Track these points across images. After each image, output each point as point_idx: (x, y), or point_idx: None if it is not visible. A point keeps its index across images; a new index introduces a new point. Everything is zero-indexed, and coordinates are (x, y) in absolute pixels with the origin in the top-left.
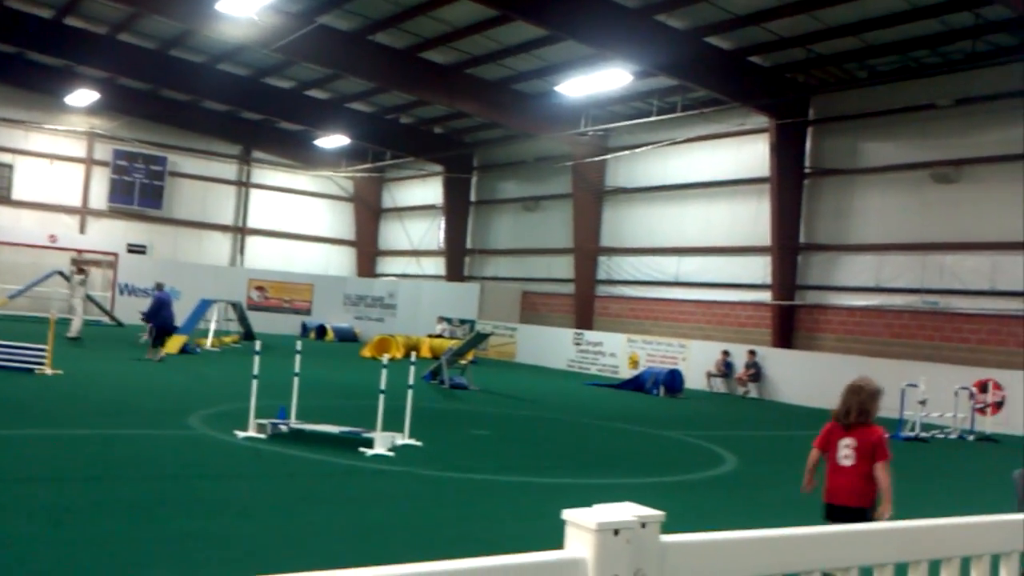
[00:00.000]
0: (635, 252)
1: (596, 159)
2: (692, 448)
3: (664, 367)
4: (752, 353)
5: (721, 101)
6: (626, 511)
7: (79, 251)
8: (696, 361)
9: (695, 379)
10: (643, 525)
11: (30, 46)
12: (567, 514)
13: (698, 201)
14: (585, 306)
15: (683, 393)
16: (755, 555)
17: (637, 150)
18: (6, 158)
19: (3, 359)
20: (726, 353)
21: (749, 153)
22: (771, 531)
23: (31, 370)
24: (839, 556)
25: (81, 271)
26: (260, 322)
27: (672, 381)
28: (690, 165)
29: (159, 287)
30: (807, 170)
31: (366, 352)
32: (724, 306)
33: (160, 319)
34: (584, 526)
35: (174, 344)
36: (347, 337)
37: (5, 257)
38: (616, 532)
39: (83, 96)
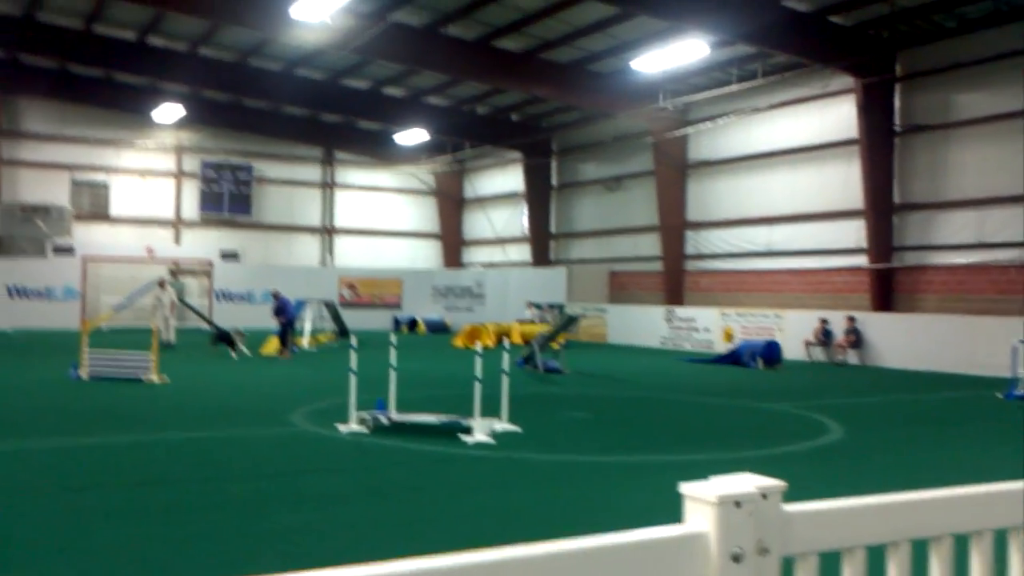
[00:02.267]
0: (723, 225)
1: (677, 133)
2: (795, 419)
3: (761, 339)
4: (851, 319)
5: (803, 65)
6: (746, 482)
7: (175, 261)
8: (793, 331)
9: (793, 349)
10: (764, 496)
11: (116, 67)
12: (685, 488)
13: (785, 168)
14: (675, 282)
15: (782, 364)
16: (880, 521)
17: (718, 121)
18: (101, 177)
19: (112, 368)
20: (824, 321)
21: (835, 115)
22: (896, 496)
23: (139, 378)
24: (971, 519)
25: (162, 281)
26: (353, 319)
27: (770, 352)
28: (774, 132)
29: (276, 294)
30: (897, 128)
31: (458, 342)
32: (819, 273)
33: (286, 315)
34: (704, 499)
35: (272, 345)
36: (438, 328)
37: (106, 272)
38: (738, 504)
39: (169, 111)
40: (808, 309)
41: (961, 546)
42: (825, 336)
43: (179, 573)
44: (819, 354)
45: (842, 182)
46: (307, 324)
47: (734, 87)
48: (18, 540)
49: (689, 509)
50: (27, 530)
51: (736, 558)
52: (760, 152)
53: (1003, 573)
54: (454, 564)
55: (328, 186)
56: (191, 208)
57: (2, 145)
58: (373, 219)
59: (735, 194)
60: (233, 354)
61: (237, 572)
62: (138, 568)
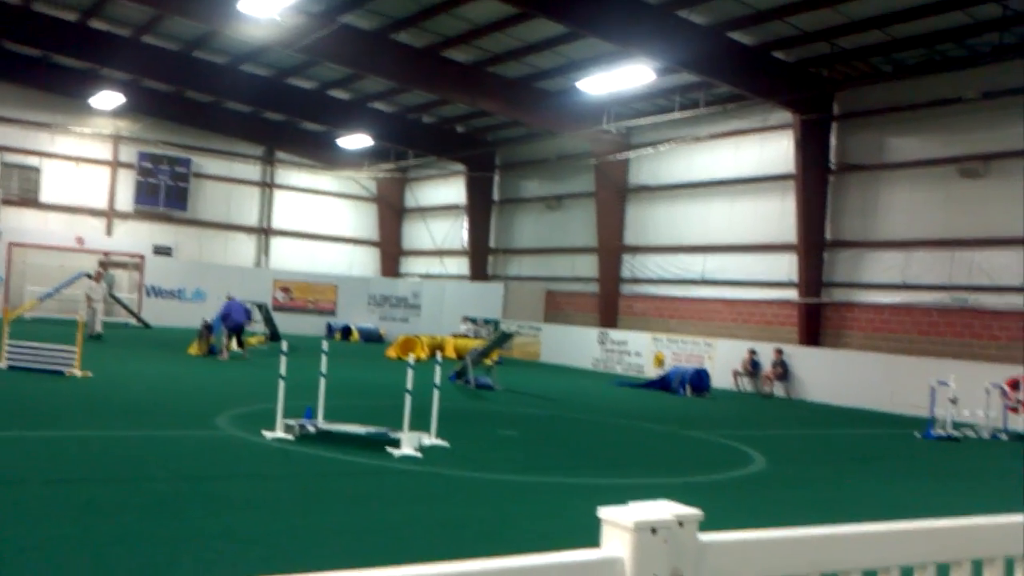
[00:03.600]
0: (660, 250)
1: (619, 157)
2: (720, 448)
3: (690, 366)
4: (779, 351)
5: (744, 97)
6: (664, 509)
7: (106, 253)
8: (723, 360)
9: (722, 378)
10: (680, 524)
11: (55, 49)
12: (603, 512)
13: (722, 198)
14: (610, 305)
15: (710, 392)
16: (794, 554)
17: (660, 147)
18: (33, 161)
19: (34, 361)
20: (753, 352)
21: (773, 149)
22: (810, 529)
23: (61, 372)
24: (879, 555)
25: (99, 273)
26: (285, 323)
27: (699, 380)
28: (714, 162)
29: (229, 297)
30: (832, 166)
31: (391, 352)
32: (750, 304)
33: (231, 322)
34: (621, 525)
35: (200, 346)
36: (372, 337)
37: (33, 259)
38: (654, 531)
39: (108, 98)
40: (738, 339)
41: None
42: (753, 367)
43: None
44: (747, 384)
45: (777, 216)
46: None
47: (676, 114)
48: None
49: (606, 533)
50: None
51: None
52: (699, 181)
53: None
54: None
55: (267, 186)
56: (125, 199)
57: None
58: (311, 222)
59: (673, 220)
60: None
61: None
62: (49, 571)
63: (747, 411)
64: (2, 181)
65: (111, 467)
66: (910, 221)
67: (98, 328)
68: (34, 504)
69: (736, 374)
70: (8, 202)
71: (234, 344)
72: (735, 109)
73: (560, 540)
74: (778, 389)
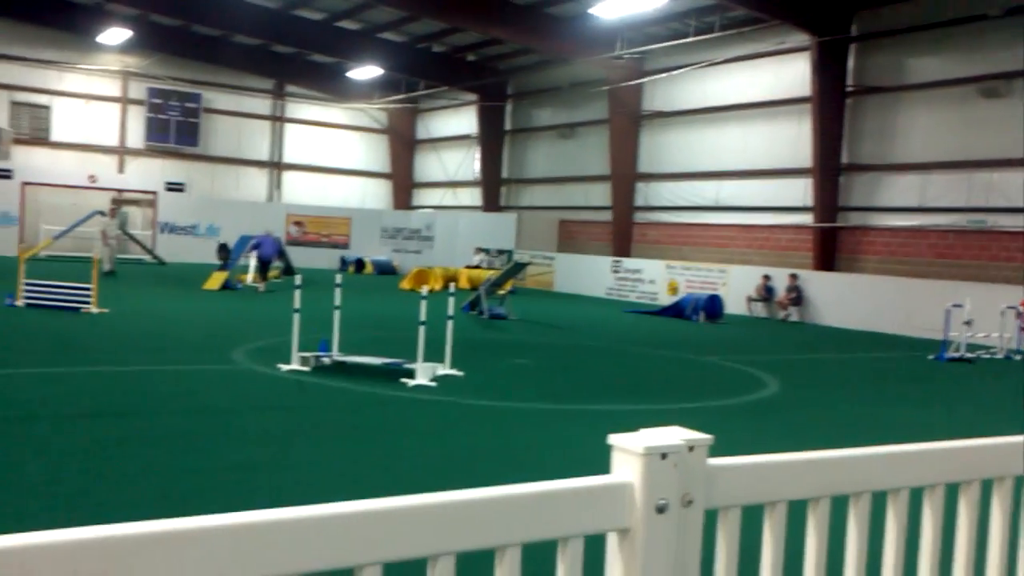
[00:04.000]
0: (673, 177)
1: (632, 83)
2: (733, 373)
3: (704, 293)
4: (793, 276)
5: (760, 20)
6: (673, 435)
7: (118, 191)
8: (736, 286)
9: (736, 304)
10: (691, 449)
11: None
12: (613, 439)
13: (737, 123)
14: (623, 233)
15: (723, 318)
16: (804, 477)
17: (674, 72)
18: (43, 99)
19: (51, 299)
20: (767, 277)
21: (789, 73)
22: (819, 453)
23: (77, 309)
24: (889, 477)
25: (112, 211)
26: (299, 257)
27: (712, 306)
28: (729, 86)
29: (267, 232)
30: (849, 88)
31: (405, 284)
32: (764, 230)
33: (260, 253)
34: (631, 450)
35: (215, 280)
36: (386, 270)
37: (46, 198)
38: (663, 456)
39: (116, 34)
40: (752, 265)
41: (879, 503)
42: (767, 292)
43: (117, 509)
44: (761, 310)
45: (792, 140)
46: (251, 260)
47: (691, 39)
48: None
49: (616, 459)
50: None
51: (660, 509)
52: (714, 106)
53: (917, 529)
54: (387, 507)
55: (278, 119)
56: (136, 136)
57: None
58: (323, 156)
59: (687, 147)
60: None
61: (177, 509)
62: (74, 503)
63: (761, 336)
64: (13, 120)
65: (130, 401)
66: (928, 143)
67: (112, 265)
68: (55, 438)
69: (750, 300)
70: (19, 141)
71: (248, 277)
72: (751, 32)
73: (576, 467)
74: (793, 314)
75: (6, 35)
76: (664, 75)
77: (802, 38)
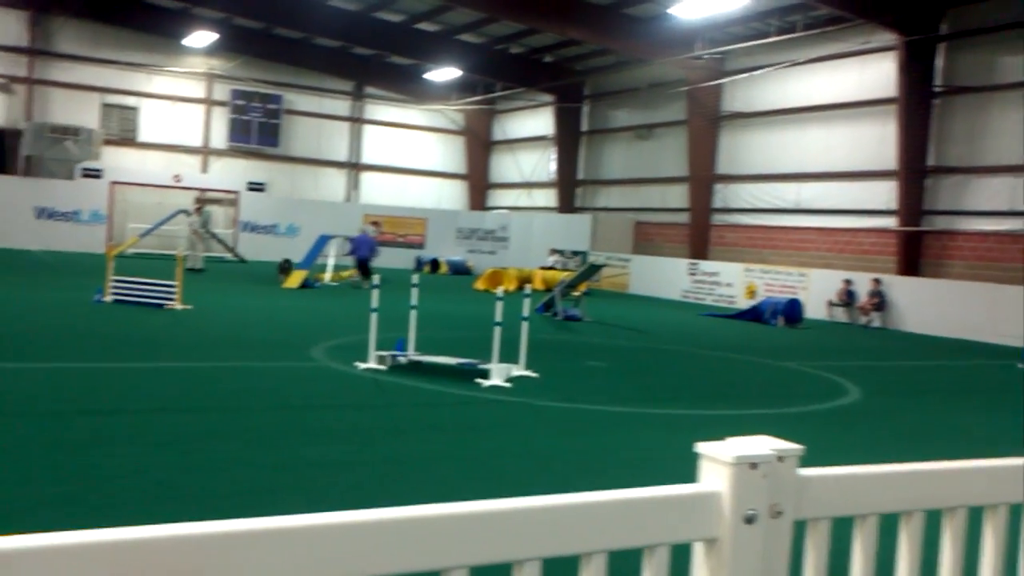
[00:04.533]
0: (753, 179)
1: (712, 83)
2: (813, 379)
3: (783, 296)
4: (876, 281)
5: (845, 19)
6: (762, 444)
7: (202, 190)
8: (817, 290)
9: (816, 309)
10: (780, 459)
11: None
12: (702, 447)
13: (819, 124)
14: (700, 235)
15: (803, 323)
16: (896, 490)
17: (755, 73)
18: (131, 101)
19: (136, 295)
20: (848, 282)
21: (874, 73)
22: (913, 465)
23: (162, 306)
24: (988, 492)
25: (197, 209)
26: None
27: (792, 311)
28: (811, 87)
29: (362, 231)
30: (937, 88)
31: (479, 285)
32: (846, 233)
33: (357, 255)
34: (720, 459)
35: (295, 279)
36: (460, 270)
37: (133, 197)
38: (753, 466)
39: (201, 37)
40: (833, 269)
41: (975, 518)
42: (849, 297)
43: (201, 500)
44: (842, 315)
45: (876, 141)
46: (330, 260)
47: (773, 39)
48: (42, 462)
49: (704, 468)
50: (51, 452)
51: (749, 519)
52: (795, 107)
53: (1015, 547)
54: (475, 511)
55: (356, 121)
56: (219, 137)
57: (34, 64)
58: (400, 157)
59: (767, 148)
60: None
61: (259, 503)
62: (160, 494)
63: (842, 342)
64: (103, 122)
65: (212, 397)
66: (1020, 145)
67: (199, 263)
68: (141, 432)
69: (831, 304)
70: (109, 142)
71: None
72: (835, 32)
73: (652, 471)
74: (875, 320)
75: (98, 39)
76: (745, 75)
77: (888, 37)
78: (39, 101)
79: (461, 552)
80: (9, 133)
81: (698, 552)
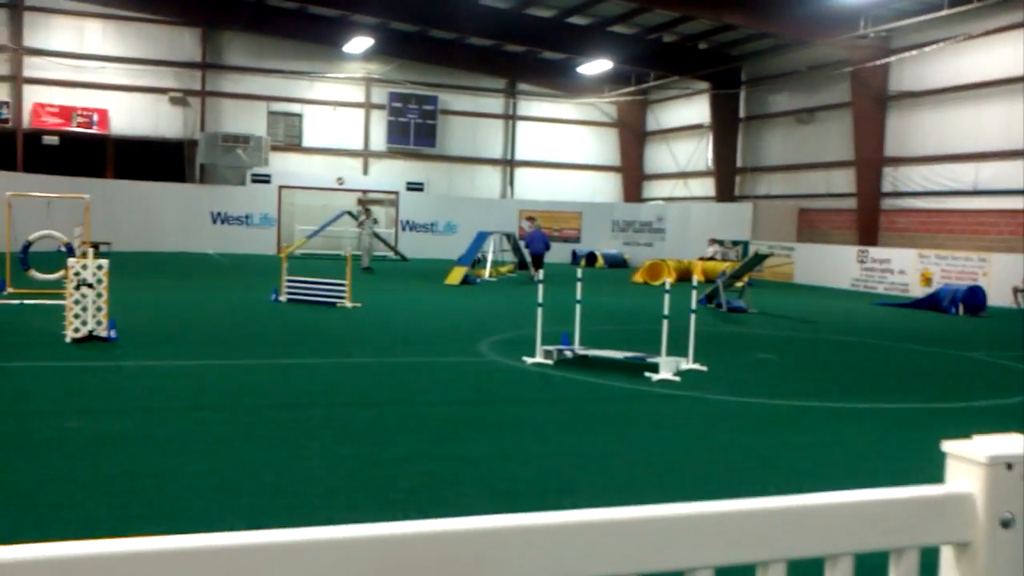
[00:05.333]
0: (924, 161)
1: (878, 63)
2: (1002, 370)
3: (963, 283)
4: None
5: None
6: (1015, 443)
7: (364, 191)
8: (999, 276)
9: (999, 295)
10: None
11: (310, 0)
12: (949, 446)
13: (999, 100)
14: (869, 221)
15: (986, 311)
16: None
17: (925, 49)
18: (295, 108)
19: (310, 294)
20: None
21: None
22: None
23: (334, 304)
24: None
25: (367, 211)
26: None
27: (973, 298)
28: (988, 61)
29: (537, 225)
30: None
31: (638, 277)
32: None
33: (532, 250)
34: (972, 459)
35: (456, 275)
36: (617, 263)
37: (299, 200)
38: (1009, 466)
39: (359, 43)
40: (1017, 253)
41: None
42: None
43: (385, 493)
44: None
45: None
46: (488, 255)
47: (945, 12)
48: (234, 452)
49: (953, 468)
50: (241, 443)
51: (1006, 523)
52: (970, 83)
53: None
54: (712, 511)
55: (510, 118)
56: (379, 139)
57: (206, 77)
58: (554, 151)
59: (940, 128)
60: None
61: (437, 496)
62: (344, 487)
63: None
64: (270, 129)
65: (389, 391)
66: None
67: (365, 262)
68: (326, 425)
69: (1016, 291)
70: (276, 148)
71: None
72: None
73: (833, 467)
74: None
75: (262, 51)
76: (914, 52)
77: None
78: (211, 112)
79: (705, 553)
80: (186, 144)
81: (947, 556)
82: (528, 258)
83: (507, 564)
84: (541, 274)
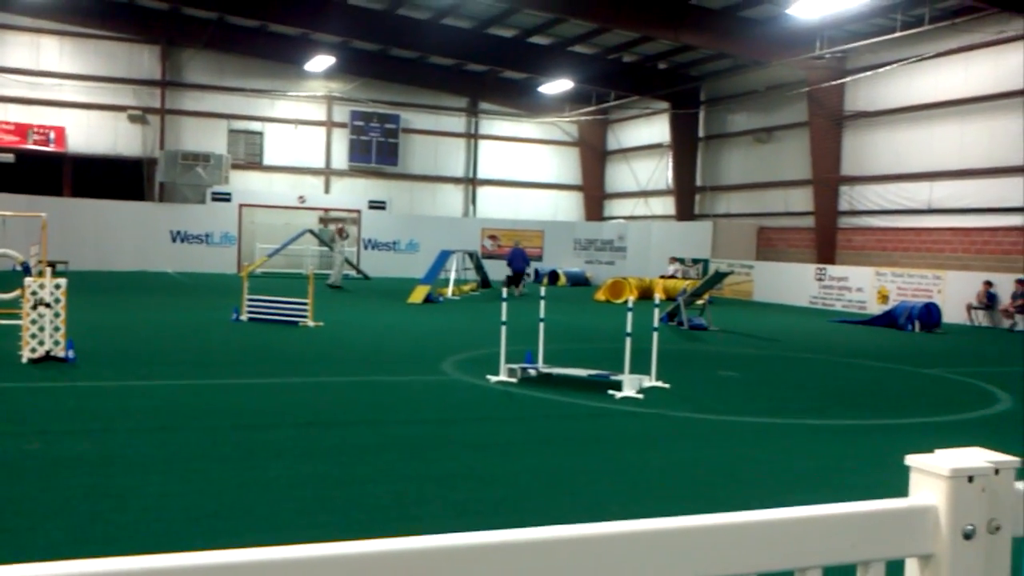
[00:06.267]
0: (880, 179)
1: (834, 83)
2: (959, 386)
3: (918, 300)
4: (1020, 282)
5: (976, 8)
6: (976, 456)
7: (326, 210)
8: (953, 293)
9: (954, 312)
10: (996, 471)
11: (271, 18)
12: (912, 459)
13: (951, 120)
14: (827, 240)
15: (941, 328)
16: None
17: (880, 70)
18: (256, 126)
19: (271, 314)
20: (989, 283)
21: (1010, 64)
22: None
23: (296, 323)
24: None
25: (341, 230)
26: (495, 270)
27: (928, 315)
28: (941, 82)
29: (517, 244)
30: None
31: (600, 295)
32: (984, 232)
33: (513, 267)
34: (935, 472)
35: (419, 294)
36: (579, 281)
37: (260, 219)
38: (970, 479)
39: (321, 62)
40: (971, 270)
41: None
42: (990, 299)
43: (351, 513)
44: (983, 319)
45: (1014, 136)
46: (451, 274)
47: (898, 34)
48: (200, 475)
49: (916, 481)
50: (205, 464)
51: (967, 535)
52: (924, 103)
53: None
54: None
55: (472, 136)
56: (340, 158)
57: (166, 95)
58: (516, 170)
59: (895, 147)
60: (516, 292)
61: (405, 514)
62: (310, 506)
63: (985, 347)
64: (230, 147)
65: (354, 410)
66: None
67: (337, 280)
68: (290, 445)
69: (970, 308)
70: (236, 166)
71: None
72: (965, 23)
73: (798, 482)
74: (1019, 323)
75: (223, 68)
76: (869, 73)
77: None
78: (171, 130)
79: (674, 568)
80: (145, 162)
81: (911, 569)
82: (529, 272)
83: None
84: (521, 290)
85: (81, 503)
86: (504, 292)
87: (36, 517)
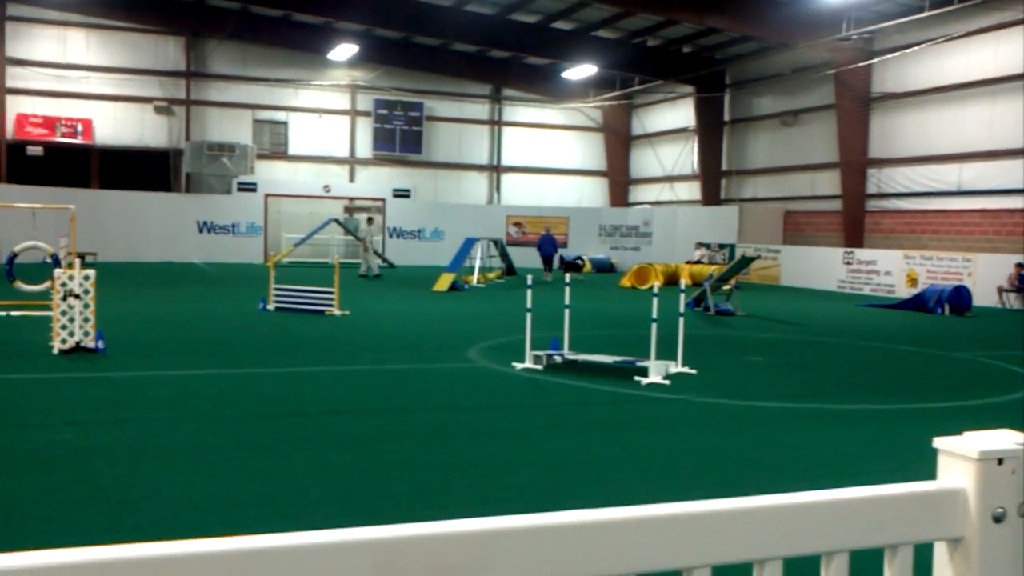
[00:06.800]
0: (909, 162)
1: (861, 64)
2: (990, 370)
3: (948, 284)
4: None
5: None
6: (1006, 439)
7: (350, 199)
8: (984, 276)
9: (984, 295)
10: None
11: (295, 7)
12: (940, 442)
13: (981, 100)
14: (854, 223)
15: (971, 311)
16: None
17: (908, 51)
18: (281, 116)
19: (298, 302)
20: (1021, 265)
21: None
22: None
23: (322, 312)
24: None
25: (370, 220)
26: (519, 256)
27: (958, 298)
28: (970, 61)
29: (547, 230)
30: None
31: (625, 282)
32: (1015, 214)
33: (542, 252)
34: (963, 455)
35: (444, 282)
36: (604, 268)
37: (286, 208)
38: (1000, 461)
39: (344, 51)
40: (1002, 252)
41: None
42: (1021, 282)
43: (377, 500)
44: (1014, 301)
45: None
46: (476, 261)
47: (927, 13)
48: (224, 461)
49: (944, 464)
50: (231, 453)
51: (998, 518)
52: (954, 83)
53: None
54: (715, 509)
55: (496, 123)
56: (364, 147)
57: (191, 86)
58: (540, 156)
59: (923, 129)
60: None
61: (430, 503)
62: (335, 494)
63: (1016, 330)
64: (255, 137)
65: (380, 398)
66: None
67: (375, 270)
68: (316, 433)
69: (1001, 290)
70: (261, 156)
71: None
72: (995, 1)
73: (825, 467)
74: None
75: (247, 59)
76: (896, 54)
77: None
78: (196, 121)
79: (702, 551)
80: (171, 153)
81: (941, 552)
82: (557, 259)
83: (501, 565)
84: (548, 275)
85: (112, 492)
86: (546, 277)
87: (69, 505)
